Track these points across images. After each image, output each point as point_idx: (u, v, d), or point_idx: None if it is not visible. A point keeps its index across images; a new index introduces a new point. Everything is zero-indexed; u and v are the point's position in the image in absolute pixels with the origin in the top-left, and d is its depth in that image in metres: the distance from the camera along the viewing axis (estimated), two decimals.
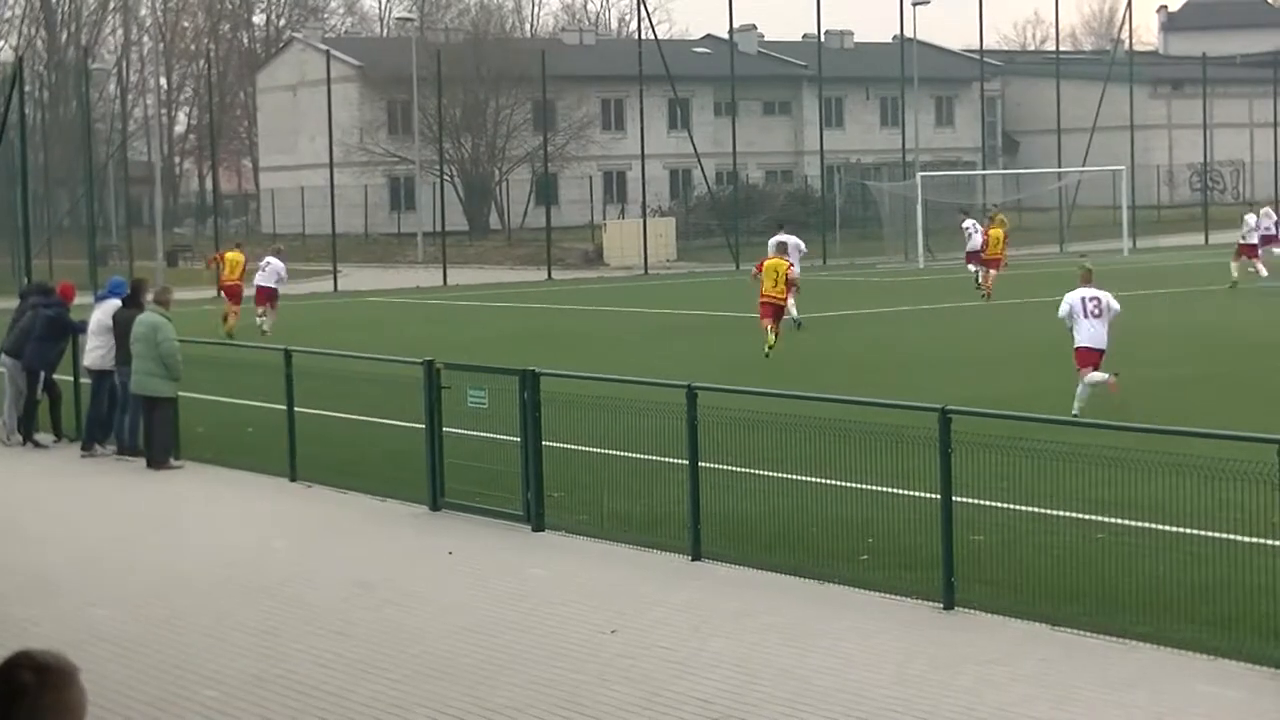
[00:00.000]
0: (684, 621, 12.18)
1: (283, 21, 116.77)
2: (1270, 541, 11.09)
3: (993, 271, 43.27)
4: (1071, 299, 22.16)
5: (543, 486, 15.72)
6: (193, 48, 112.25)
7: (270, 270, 38.69)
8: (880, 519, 14.08)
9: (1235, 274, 42.79)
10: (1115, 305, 22.12)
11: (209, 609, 13.07)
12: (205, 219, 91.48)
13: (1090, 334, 21.77)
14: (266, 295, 38.40)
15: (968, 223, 48.20)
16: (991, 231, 43.77)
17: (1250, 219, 44.94)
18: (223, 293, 40.80)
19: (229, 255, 41.06)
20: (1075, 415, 20.09)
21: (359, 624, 12.44)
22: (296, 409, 19.16)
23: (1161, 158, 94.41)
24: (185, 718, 10.48)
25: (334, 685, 10.91)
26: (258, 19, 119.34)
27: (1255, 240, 44.43)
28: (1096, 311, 21.92)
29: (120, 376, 20.93)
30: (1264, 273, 43.69)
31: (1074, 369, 21.83)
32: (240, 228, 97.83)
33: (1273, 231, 46.31)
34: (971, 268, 46.20)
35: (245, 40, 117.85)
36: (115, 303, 21.44)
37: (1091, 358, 21.71)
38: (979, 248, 45.56)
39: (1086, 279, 22.52)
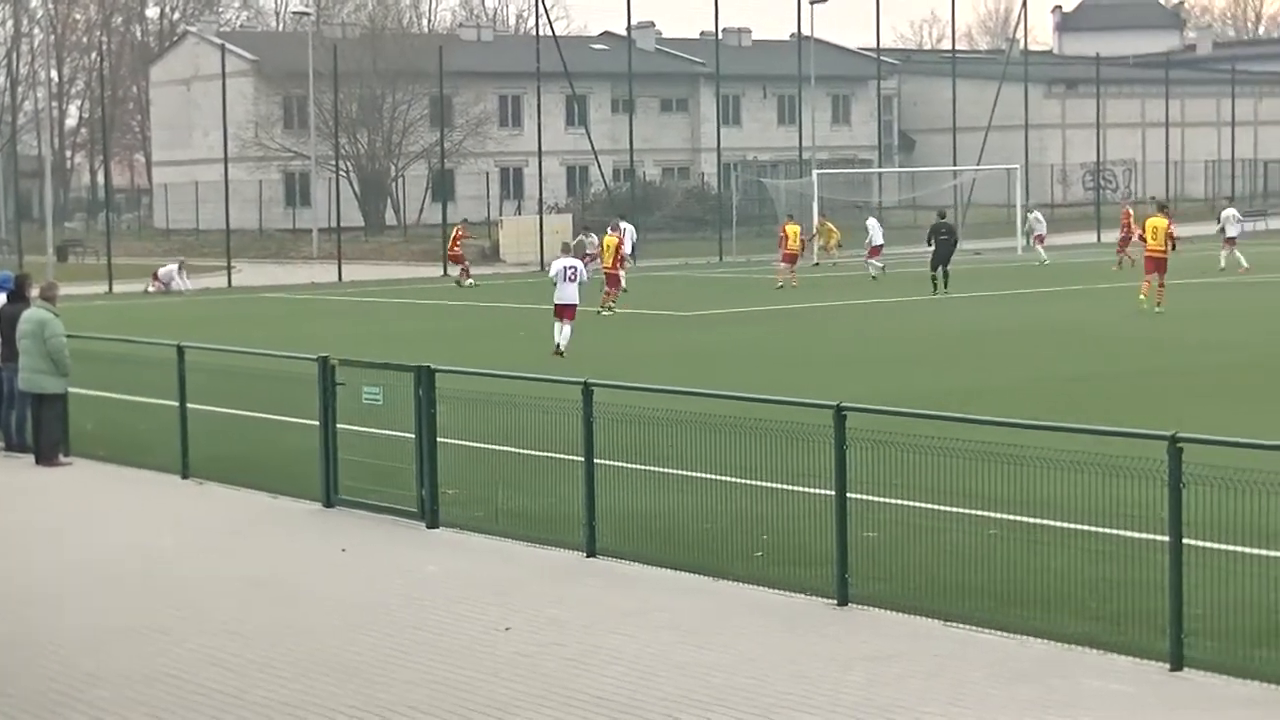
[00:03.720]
0: (579, 618, 12.16)
1: (177, 15, 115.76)
2: (1159, 537, 11.19)
3: (782, 265, 48.29)
4: (556, 266, 30.82)
5: (437, 483, 15.66)
6: (85, 40, 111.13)
7: None
8: (775, 516, 14.10)
9: (1044, 255, 56.53)
10: (585, 275, 31.20)
11: (97, 607, 12.91)
12: (97, 214, 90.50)
13: (565, 294, 30.16)
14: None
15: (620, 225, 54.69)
16: (788, 228, 48.93)
17: (1033, 215, 59.42)
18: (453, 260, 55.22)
19: (458, 231, 55.05)
20: (559, 346, 29.20)
21: (250, 622, 12.33)
22: (189, 405, 19.00)
23: (1055, 157, 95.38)
24: (74, 718, 10.34)
25: (226, 684, 10.80)
26: (151, 12, 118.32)
27: (1041, 232, 58.39)
28: (572, 277, 30.44)
29: (6, 373, 20.64)
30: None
31: (553, 319, 29.87)
32: (132, 223, 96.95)
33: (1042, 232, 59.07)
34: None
35: (138, 33, 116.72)
36: (1, 298, 21.14)
37: (566, 312, 29.93)
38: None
39: (566, 250, 32.41)
